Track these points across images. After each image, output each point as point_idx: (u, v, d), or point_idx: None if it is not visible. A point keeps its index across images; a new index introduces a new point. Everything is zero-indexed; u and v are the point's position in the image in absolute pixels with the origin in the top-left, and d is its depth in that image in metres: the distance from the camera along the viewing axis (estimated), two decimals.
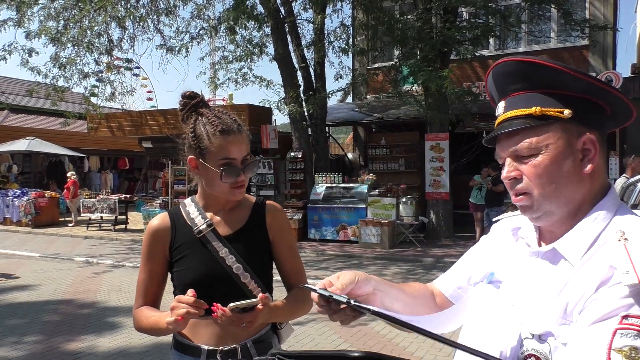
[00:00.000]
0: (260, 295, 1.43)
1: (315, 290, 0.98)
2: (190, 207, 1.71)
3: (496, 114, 1.09)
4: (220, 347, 1.60)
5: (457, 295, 1.28)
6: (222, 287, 1.60)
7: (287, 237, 1.75)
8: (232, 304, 1.39)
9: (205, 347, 1.60)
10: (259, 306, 1.41)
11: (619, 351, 0.83)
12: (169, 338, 1.72)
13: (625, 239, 0.91)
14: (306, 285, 1.02)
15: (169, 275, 1.71)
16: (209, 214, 1.69)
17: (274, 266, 1.77)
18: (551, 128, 1.00)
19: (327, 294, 0.97)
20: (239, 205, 1.73)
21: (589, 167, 1.00)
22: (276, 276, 1.76)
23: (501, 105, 1.07)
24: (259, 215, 1.72)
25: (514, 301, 1.04)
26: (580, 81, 0.99)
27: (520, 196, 1.04)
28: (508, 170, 1.05)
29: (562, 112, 0.99)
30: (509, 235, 1.18)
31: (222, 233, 1.66)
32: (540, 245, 1.08)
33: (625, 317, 0.85)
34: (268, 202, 1.77)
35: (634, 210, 1.06)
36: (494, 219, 1.32)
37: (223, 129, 1.56)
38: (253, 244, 1.67)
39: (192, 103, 1.65)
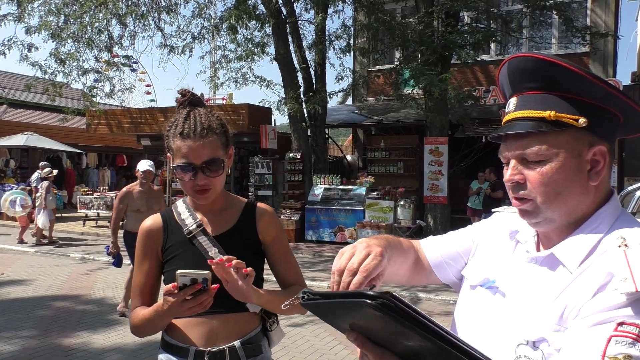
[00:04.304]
0: (224, 257, 1.44)
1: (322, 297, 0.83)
2: (181, 208, 1.73)
3: (506, 110, 1.04)
4: (208, 348, 1.59)
5: (440, 265, 1.24)
6: None
7: (280, 238, 1.76)
8: (180, 271, 1.39)
9: (193, 348, 1.60)
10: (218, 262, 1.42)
11: (613, 359, 0.81)
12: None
13: (626, 245, 0.89)
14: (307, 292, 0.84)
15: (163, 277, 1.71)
16: (199, 215, 1.70)
17: (269, 270, 1.75)
18: (563, 136, 0.96)
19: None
20: (230, 206, 1.74)
21: (596, 179, 0.97)
22: (269, 277, 1.75)
23: (512, 102, 1.02)
24: (250, 216, 1.72)
25: (510, 307, 1.02)
26: (600, 89, 0.95)
27: (522, 201, 1.00)
28: (512, 173, 1.00)
29: (577, 120, 0.94)
30: (507, 238, 1.15)
31: (212, 233, 1.67)
32: (538, 250, 1.06)
33: (621, 324, 0.83)
34: (259, 204, 1.78)
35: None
36: (493, 210, 1.29)
37: (182, 132, 1.57)
38: (243, 244, 1.68)
39: (181, 101, 1.67)
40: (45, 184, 11.21)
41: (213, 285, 1.41)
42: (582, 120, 0.94)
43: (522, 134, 0.98)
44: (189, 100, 1.67)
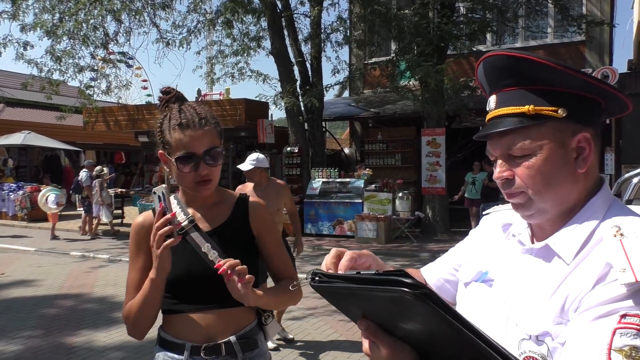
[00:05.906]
0: (225, 266, 1.44)
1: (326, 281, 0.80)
2: (172, 204, 1.72)
3: (487, 108, 1.05)
4: (204, 344, 1.60)
5: (440, 285, 1.27)
6: (205, 282, 1.59)
7: (272, 232, 1.76)
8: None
9: (189, 344, 1.60)
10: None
11: (619, 351, 0.81)
12: None
13: (621, 234, 0.89)
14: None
15: None
16: (190, 210, 1.69)
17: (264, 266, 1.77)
18: (545, 128, 0.97)
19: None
20: (222, 201, 1.73)
21: (584, 167, 0.98)
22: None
23: (492, 100, 1.04)
24: (242, 210, 1.72)
25: (509, 301, 1.01)
26: (573, 78, 0.96)
27: (514, 195, 1.02)
28: (500, 170, 1.03)
29: (556, 111, 0.96)
30: (499, 231, 1.15)
31: (204, 228, 1.66)
32: (532, 242, 1.05)
33: (624, 316, 0.83)
34: (251, 197, 1.78)
35: (629, 206, 1.05)
36: (483, 212, 1.30)
37: (181, 122, 1.56)
38: (236, 239, 1.67)
39: (166, 98, 1.67)
40: (98, 181, 12.01)
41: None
42: (561, 110, 0.96)
43: (505, 131, 0.99)
44: (176, 96, 1.67)
